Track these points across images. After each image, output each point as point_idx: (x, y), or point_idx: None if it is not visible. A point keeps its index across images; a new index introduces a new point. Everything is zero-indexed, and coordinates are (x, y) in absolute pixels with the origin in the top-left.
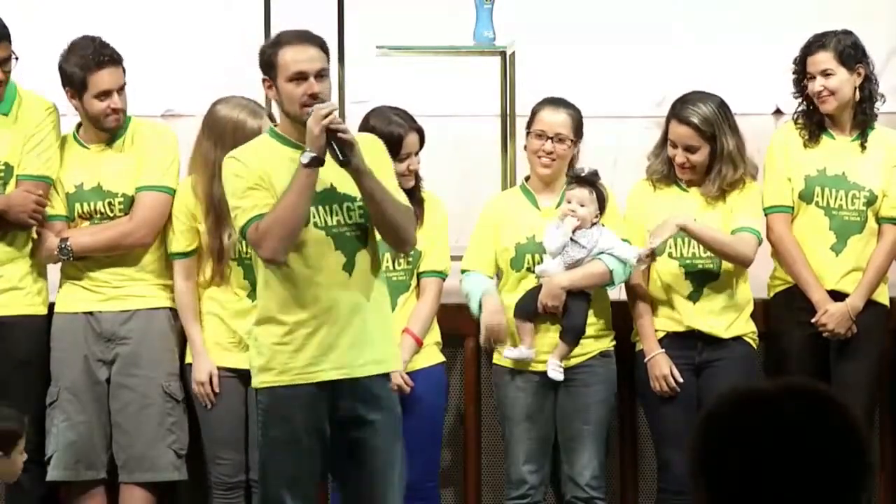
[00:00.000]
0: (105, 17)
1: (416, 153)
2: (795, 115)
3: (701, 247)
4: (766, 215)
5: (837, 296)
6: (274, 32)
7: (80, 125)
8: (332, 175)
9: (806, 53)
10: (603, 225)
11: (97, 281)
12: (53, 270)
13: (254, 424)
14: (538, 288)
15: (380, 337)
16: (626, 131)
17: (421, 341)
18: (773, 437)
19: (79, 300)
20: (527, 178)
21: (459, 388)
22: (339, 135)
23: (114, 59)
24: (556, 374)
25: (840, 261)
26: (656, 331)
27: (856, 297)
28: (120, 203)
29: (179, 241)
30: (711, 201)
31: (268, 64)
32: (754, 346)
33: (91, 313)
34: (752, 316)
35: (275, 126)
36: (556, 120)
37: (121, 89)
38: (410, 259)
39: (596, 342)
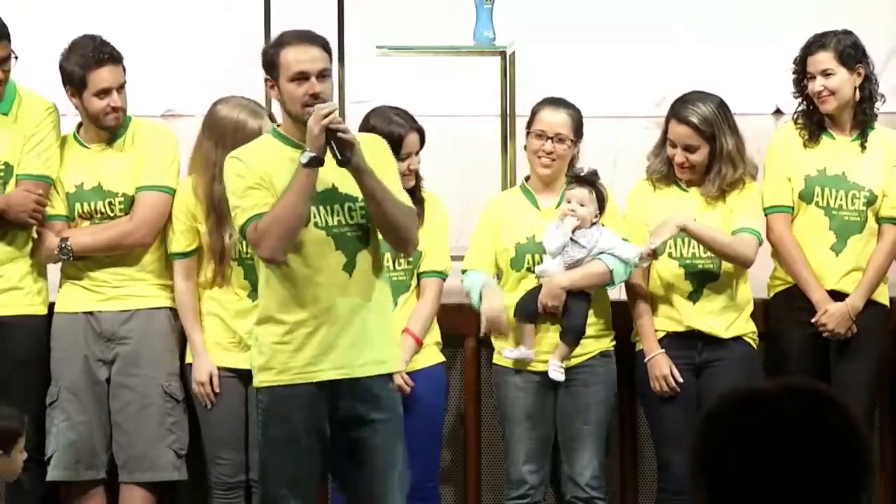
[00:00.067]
0: (105, 16)
1: (417, 153)
2: (795, 115)
3: (701, 247)
4: (766, 215)
5: (837, 296)
6: (274, 32)
7: (80, 125)
8: (334, 175)
9: (806, 53)
10: (603, 225)
11: (97, 281)
12: (53, 270)
13: (254, 424)
14: (538, 288)
15: (381, 338)
16: (626, 131)
17: (421, 341)
18: (773, 437)
19: (79, 300)
20: (527, 178)
21: (459, 388)
22: (339, 135)
23: (113, 58)
24: (558, 374)
25: (840, 261)
26: (656, 331)
27: (856, 297)
28: (120, 203)
29: (179, 241)
30: (711, 201)
31: (270, 64)
32: (754, 346)
33: (91, 313)
34: (752, 316)
35: (277, 126)
36: (556, 120)
37: (120, 88)
38: (410, 259)
39: (596, 342)
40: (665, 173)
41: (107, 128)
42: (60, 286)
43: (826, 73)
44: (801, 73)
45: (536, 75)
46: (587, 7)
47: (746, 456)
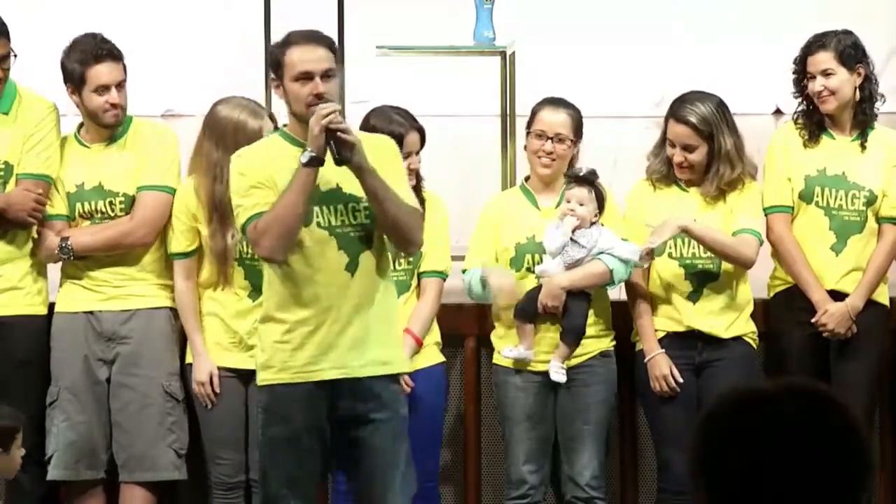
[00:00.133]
0: (105, 16)
1: (417, 152)
2: (795, 115)
3: (701, 247)
4: (766, 215)
5: (837, 296)
6: (274, 32)
7: (81, 125)
8: (338, 175)
9: (806, 53)
10: (602, 224)
11: (97, 280)
12: (53, 270)
13: (254, 424)
14: (538, 288)
15: (384, 338)
16: (626, 131)
17: (421, 341)
18: (773, 437)
19: (79, 300)
20: (527, 178)
21: (459, 388)
22: (339, 134)
23: (112, 55)
24: (559, 376)
25: (840, 261)
26: (656, 331)
27: (856, 297)
28: (121, 203)
29: (180, 241)
30: (711, 201)
31: (276, 63)
32: (754, 346)
33: (91, 313)
34: (752, 316)
35: (284, 126)
36: (556, 120)
37: (120, 85)
38: (411, 259)
39: (596, 342)
40: (665, 173)
41: (106, 125)
42: (61, 286)
43: (826, 73)
44: (801, 73)
45: (536, 75)
46: (587, 7)
47: (746, 456)
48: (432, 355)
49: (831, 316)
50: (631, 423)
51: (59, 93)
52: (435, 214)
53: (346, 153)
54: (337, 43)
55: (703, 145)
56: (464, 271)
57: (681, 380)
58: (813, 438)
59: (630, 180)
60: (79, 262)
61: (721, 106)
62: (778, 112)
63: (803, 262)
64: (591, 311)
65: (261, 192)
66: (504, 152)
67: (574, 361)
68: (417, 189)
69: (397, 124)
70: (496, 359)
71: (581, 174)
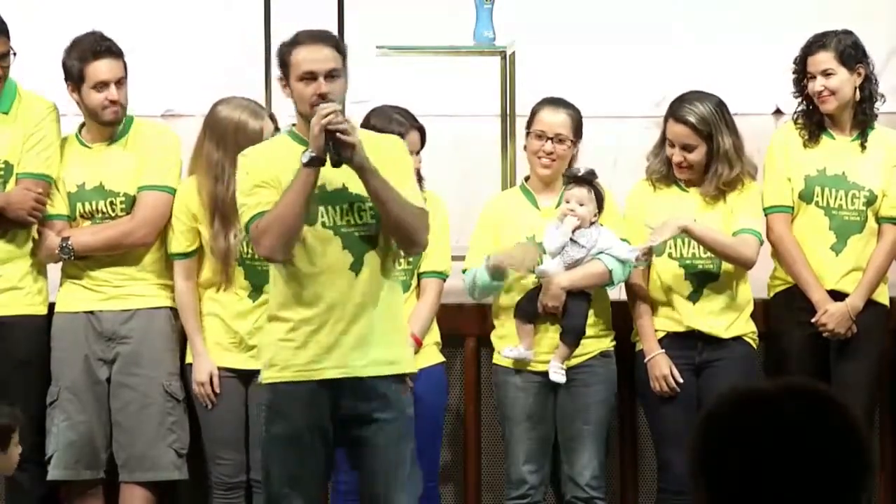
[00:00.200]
0: (105, 16)
1: (418, 152)
2: (795, 115)
3: (701, 247)
4: (766, 215)
5: (837, 296)
6: (274, 32)
7: (83, 125)
8: (344, 175)
9: (806, 53)
10: (601, 224)
11: (98, 280)
12: (53, 270)
13: (254, 425)
14: (538, 288)
15: (388, 338)
16: (626, 131)
17: (420, 341)
18: (773, 437)
19: (79, 299)
20: (526, 178)
21: (459, 388)
22: (338, 135)
23: (112, 51)
24: (559, 376)
25: (840, 261)
26: (656, 331)
27: (856, 297)
28: (122, 202)
29: (180, 241)
30: (711, 201)
31: (283, 62)
32: (754, 346)
33: (92, 312)
34: (752, 316)
35: (292, 126)
36: (555, 120)
37: (120, 82)
38: (411, 259)
39: (596, 342)
40: (665, 173)
41: (106, 122)
42: (61, 286)
43: (826, 73)
44: (801, 73)
45: (536, 75)
46: (587, 7)
47: (746, 456)
48: (432, 355)
49: (831, 316)
50: (631, 423)
51: (60, 93)
52: (435, 214)
53: (346, 153)
54: None
55: (702, 145)
56: (464, 271)
57: (681, 380)
58: (813, 438)
59: (630, 180)
60: (79, 262)
61: (720, 106)
62: (778, 112)
63: (803, 262)
64: (591, 311)
65: (265, 191)
66: (504, 152)
67: (574, 361)
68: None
69: (397, 124)
70: (496, 359)
71: (580, 174)
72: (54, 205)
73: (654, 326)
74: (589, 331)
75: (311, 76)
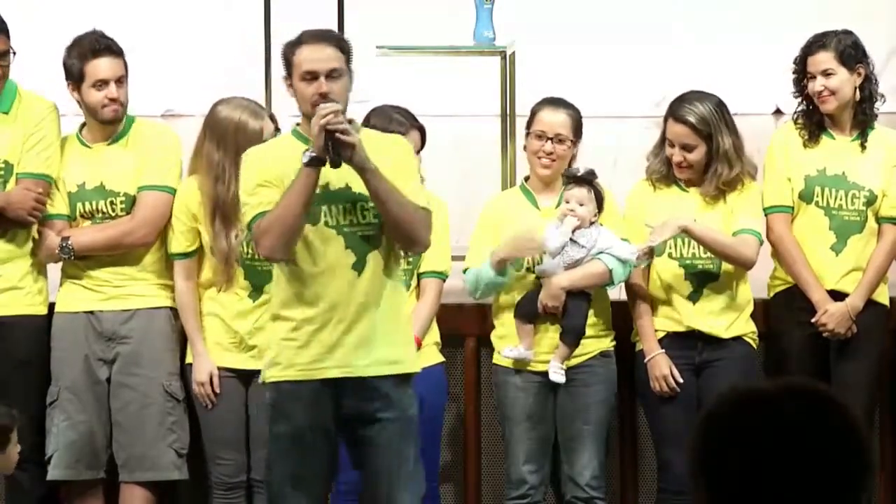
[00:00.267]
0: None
1: (418, 152)
2: (795, 115)
3: (701, 247)
4: (766, 215)
5: (837, 296)
6: (274, 32)
7: (83, 125)
8: (348, 175)
9: (806, 53)
10: (601, 224)
11: (98, 280)
12: (54, 270)
13: (254, 425)
14: (538, 288)
15: (391, 338)
16: (626, 131)
17: (420, 342)
18: (773, 437)
19: (79, 299)
20: (526, 178)
21: (459, 388)
22: (337, 135)
23: (111, 49)
24: (558, 376)
25: (840, 261)
26: (656, 331)
27: (856, 297)
28: (122, 202)
29: (180, 241)
30: (711, 201)
31: (286, 62)
32: (754, 346)
33: (92, 312)
34: (752, 316)
35: (297, 125)
36: (555, 120)
37: (120, 81)
38: (410, 259)
39: (596, 342)
40: (665, 173)
41: (105, 121)
42: (61, 286)
43: (826, 73)
44: (801, 73)
45: (536, 75)
46: (587, 7)
47: (746, 456)
48: (432, 355)
49: (831, 316)
50: (631, 423)
51: (60, 93)
52: (435, 215)
53: (345, 153)
54: None
55: (701, 145)
56: (465, 271)
57: (681, 380)
58: (813, 438)
59: (630, 180)
60: (79, 262)
61: (720, 106)
62: (778, 112)
63: (803, 262)
64: (591, 311)
65: (267, 190)
66: (504, 152)
67: (574, 361)
68: None
69: (398, 123)
70: (496, 359)
71: (580, 174)
72: (54, 204)
73: (654, 326)
74: (589, 331)
75: (312, 76)
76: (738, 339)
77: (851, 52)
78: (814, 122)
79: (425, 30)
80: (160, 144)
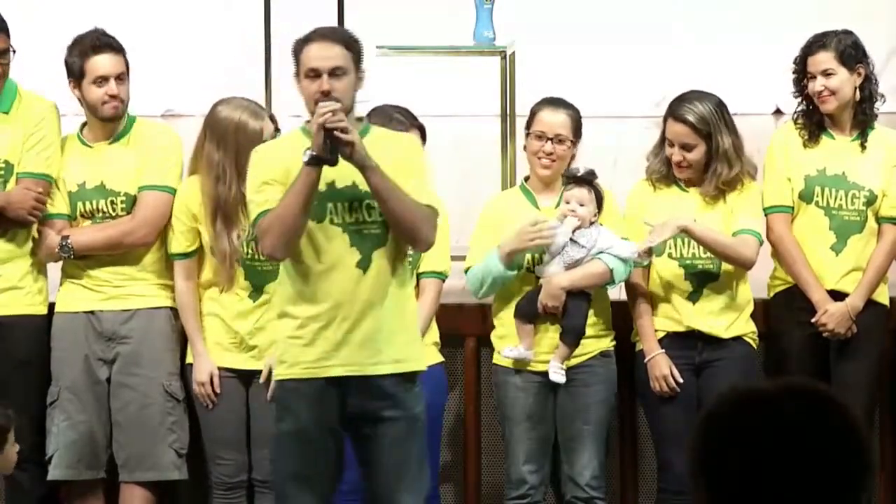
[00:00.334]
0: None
1: None
2: (795, 115)
3: (701, 247)
4: (766, 215)
5: (837, 296)
6: (274, 32)
7: (84, 124)
8: (355, 173)
9: (806, 53)
10: (601, 224)
11: (98, 280)
12: (54, 270)
13: (255, 424)
14: (538, 289)
15: (397, 337)
16: (626, 131)
17: None
18: (773, 437)
19: (79, 299)
20: (526, 178)
21: (459, 388)
22: (335, 133)
23: (112, 46)
24: (558, 376)
25: (840, 261)
26: (656, 331)
27: (856, 297)
28: (122, 202)
29: (180, 241)
30: (711, 201)
31: (295, 59)
32: (754, 346)
33: (92, 312)
34: (752, 316)
35: (307, 122)
36: (555, 121)
37: (120, 78)
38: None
39: (596, 342)
40: (665, 173)
41: (105, 118)
42: (61, 285)
43: (826, 73)
44: (802, 73)
45: (536, 75)
46: (587, 7)
47: (746, 456)
48: (432, 355)
49: (831, 316)
50: (631, 423)
51: (60, 93)
52: None
53: (344, 151)
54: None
55: (701, 144)
56: (466, 271)
57: (681, 380)
58: (813, 438)
59: (630, 180)
60: (79, 262)
61: (720, 105)
62: (778, 112)
63: (803, 262)
64: (591, 311)
65: (271, 188)
66: (504, 152)
67: (574, 361)
68: None
69: (398, 123)
70: (496, 359)
71: (580, 174)
72: (54, 204)
73: (654, 326)
74: (589, 331)
75: (315, 73)
76: (738, 339)
77: (851, 52)
78: (814, 122)
79: (425, 30)
80: (161, 144)
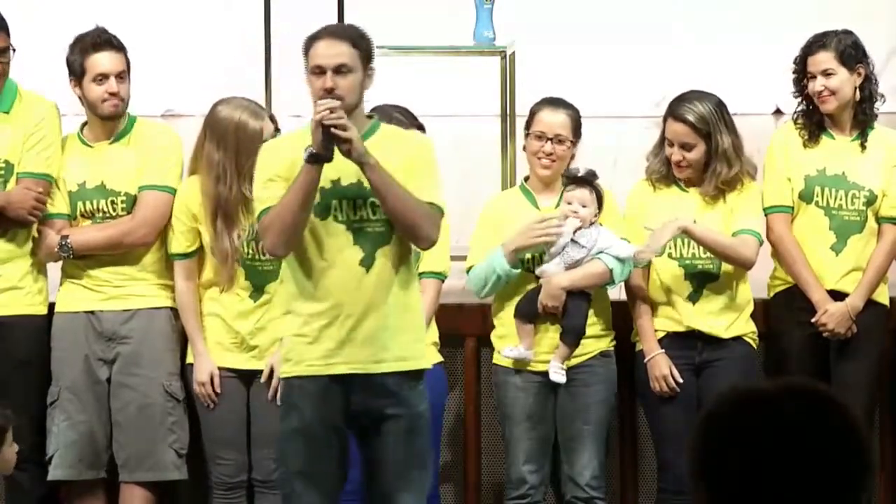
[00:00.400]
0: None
1: None
2: (795, 115)
3: (701, 247)
4: (765, 215)
5: (837, 296)
6: (274, 32)
7: (84, 124)
8: (360, 170)
9: (806, 53)
10: (601, 224)
11: (98, 280)
12: (54, 270)
13: (255, 424)
14: (538, 289)
15: (401, 335)
16: (626, 131)
17: None
18: (773, 437)
19: (79, 299)
20: (526, 178)
21: (459, 388)
22: (332, 130)
23: (112, 44)
24: (559, 376)
25: (840, 260)
26: (656, 331)
27: (856, 297)
28: (122, 202)
29: (180, 241)
30: (710, 201)
31: (305, 55)
32: (754, 346)
33: (92, 312)
34: (752, 316)
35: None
36: (555, 121)
37: (121, 76)
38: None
39: (596, 342)
40: (664, 173)
41: (106, 116)
42: (61, 285)
43: (826, 73)
44: (802, 73)
45: (536, 75)
46: (587, 7)
47: (746, 456)
48: (431, 355)
49: (831, 316)
50: (631, 423)
51: (59, 92)
52: None
53: (342, 148)
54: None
55: (700, 144)
56: (467, 270)
57: (681, 380)
58: (813, 438)
59: (630, 180)
60: (79, 262)
61: (719, 105)
62: (778, 112)
63: (803, 262)
64: (591, 311)
65: (275, 185)
66: (504, 152)
67: (574, 361)
68: None
69: (397, 122)
70: (496, 359)
71: (580, 175)
72: (55, 204)
73: (653, 326)
74: (589, 331)
75: (320, 70)
76: (738, 339)
77: (851, 52)
78: (814, 122)
79: (425, 30)
80: (161, 144)
